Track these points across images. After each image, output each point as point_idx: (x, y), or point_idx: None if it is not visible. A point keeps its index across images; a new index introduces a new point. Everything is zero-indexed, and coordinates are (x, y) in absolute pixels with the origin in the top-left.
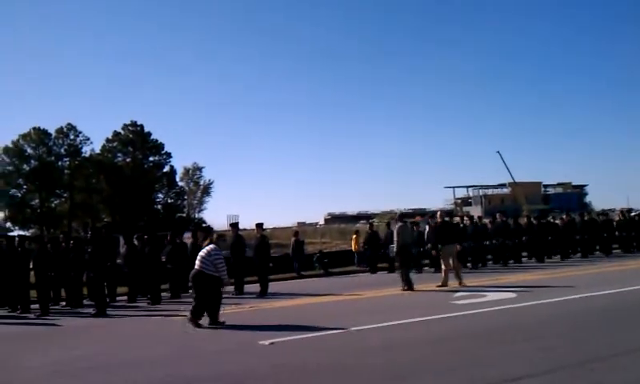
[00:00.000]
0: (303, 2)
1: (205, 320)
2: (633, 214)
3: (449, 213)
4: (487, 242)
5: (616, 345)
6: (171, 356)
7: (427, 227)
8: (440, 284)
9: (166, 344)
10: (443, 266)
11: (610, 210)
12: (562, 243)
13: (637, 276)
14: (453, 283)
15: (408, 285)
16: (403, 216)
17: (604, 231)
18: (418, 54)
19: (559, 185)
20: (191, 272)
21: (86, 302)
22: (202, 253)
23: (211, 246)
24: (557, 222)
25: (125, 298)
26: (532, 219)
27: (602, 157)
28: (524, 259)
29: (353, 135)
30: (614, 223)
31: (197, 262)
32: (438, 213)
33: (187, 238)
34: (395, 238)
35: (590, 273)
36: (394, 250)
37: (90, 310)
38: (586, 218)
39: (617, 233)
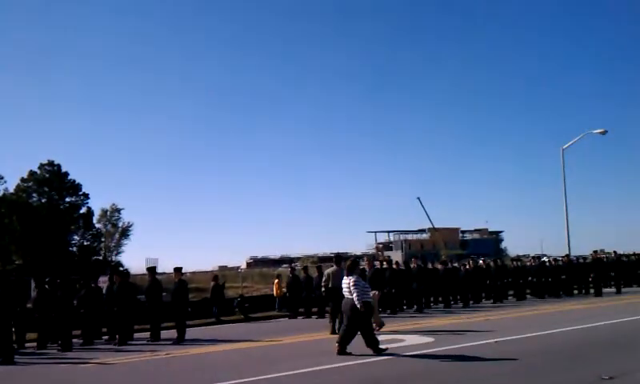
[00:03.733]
0: (214, 38)
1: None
2: (544, 259)
3: (373, 257)
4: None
5: None
6: None
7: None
8: (377, 328)
9: None
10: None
11: (524, 255)
12: (466, 289)
13: (551, 320)
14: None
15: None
16: (340, 259)
17: (517, 277)
18: (339, 99)
19: (476, 231)
20: (344, 301)
21: None
22: (346, 283)
23: (354, 277)
24: (459, 267)
25: (34, 344)
26: (438, 265)
27: (517, 205)
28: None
29: (275, 178)
30: (527, 269)
31: (346, 292)
32: (366, 258)
33: (103, 281)
34: (324, 281)
35: (506, 317)
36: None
37: None
38: (498, 264)
39: (529, 278)
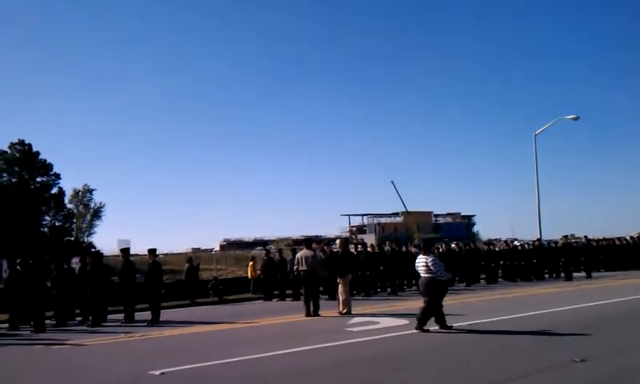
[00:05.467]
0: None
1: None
2: (516, 243)
3: (346, 240)
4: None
5: (508, 370)
6: None
7: (321, 254)
8: (345, 311)
9: (49, 376)
10: (344, 294)
11: (495, 239)
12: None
13: (523, 304)
14: (336, 311)
15: (314, 311)
16: (310, 242)
17: (489, 260)
18: (316, 81)
19: (449, 214)
20: (421, 280)
21: None
22: (423, 262)
23: (431, 256)
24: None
25: (6, 325)
26: (411, 248)
27: (489, 189)
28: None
29: (248, 160)
30: (499, 253)
31: (422, 270)
32: (338, 241)
33: (75, 262)
34: (295, 265)
35: (478, 300)
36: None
37: None
38: (471, 247)
39: (501, 262)
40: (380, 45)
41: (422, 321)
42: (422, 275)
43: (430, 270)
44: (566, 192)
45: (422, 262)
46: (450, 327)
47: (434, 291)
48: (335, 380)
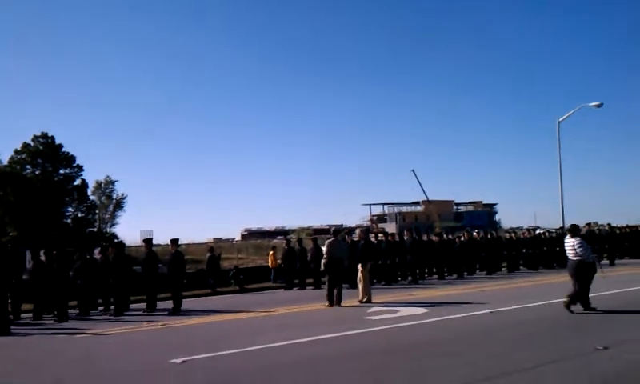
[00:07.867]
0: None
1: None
2: (538, 231)
3: (367, 229)
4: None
5: (530, 358)
6: (75, 377)
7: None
8: (365, 299)
9: (72, 364)
10: (363, 282)
11: (517, 227)
12: (460, 260)
13: (545, 291)
14: (356, 300)
15: (337, 300)
16: (337, 232)
17: (510, 249)
18: (336, 72)
19: (470, 203)
20: (569, 263)
21: None
22: (570, 244)
23: (578, 238)
24: (454, 239)
25: (30, 315)
26: (433, 237)
27: (511, 177)
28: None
29: (269, 151)
30: (521, 241)
31: (570, 253)
32: (358, 230)
33: (97, 253)
34: (324, 253)
35: (500, 288)
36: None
37: None
38: (493, 236)
39: (523, 250)
40: (402, 37)
41: (583, 303)
42: (569, 258)
43: (577, 252)
44: (590, 180)
45: (569, 245)
46: (594, 309)
47: (581, 273)
48: (348, 368)
